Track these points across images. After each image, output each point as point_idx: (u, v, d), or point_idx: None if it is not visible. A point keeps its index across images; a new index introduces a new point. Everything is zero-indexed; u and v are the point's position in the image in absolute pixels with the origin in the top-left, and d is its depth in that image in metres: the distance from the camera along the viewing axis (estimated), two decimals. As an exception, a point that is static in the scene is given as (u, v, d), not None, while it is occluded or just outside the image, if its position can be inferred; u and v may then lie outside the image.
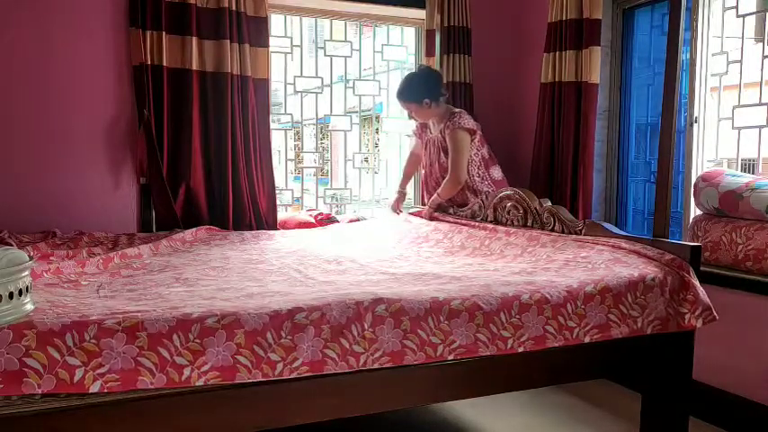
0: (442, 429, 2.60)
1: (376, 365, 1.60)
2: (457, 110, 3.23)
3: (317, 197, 3.81)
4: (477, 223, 2.86)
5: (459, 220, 3.00)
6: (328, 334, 1.56)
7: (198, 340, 1.43)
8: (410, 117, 3.38)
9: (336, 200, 4.00)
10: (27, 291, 1.36)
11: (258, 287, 1.89)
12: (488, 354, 1.73)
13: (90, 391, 1.33)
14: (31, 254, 2.23)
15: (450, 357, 1.68)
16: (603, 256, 2.11)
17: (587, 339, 1.86)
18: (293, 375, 1.52)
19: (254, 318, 1.50)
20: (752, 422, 2.45)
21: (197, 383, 1.42)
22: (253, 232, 3.03)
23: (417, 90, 3.17)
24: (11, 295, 1.30)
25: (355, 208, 3.94)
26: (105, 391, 1.34)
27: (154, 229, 3.07)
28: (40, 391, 1.29)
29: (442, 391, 1.79)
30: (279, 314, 1.53)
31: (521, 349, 1.77)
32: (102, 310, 1.47)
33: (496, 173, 3.25)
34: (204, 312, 1.48)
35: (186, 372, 1.41)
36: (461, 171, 3.13)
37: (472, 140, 3.16)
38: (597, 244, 2.24)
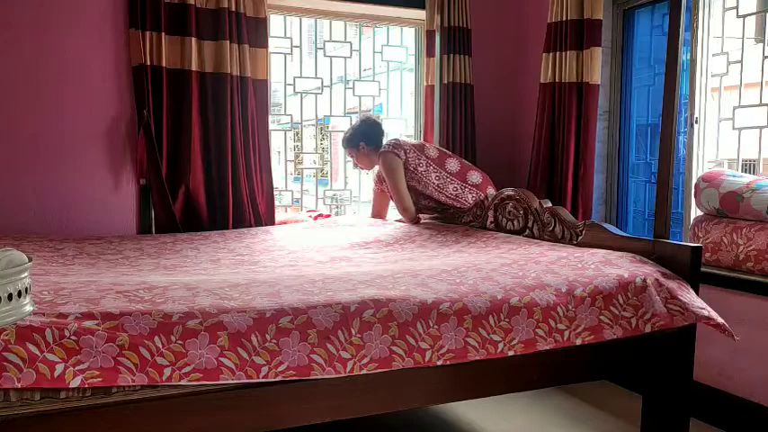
0: (441, 430, 2.60)
1: (363, 371, 1.58)
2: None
3: (316, 198, 3.81)
4: (471, 232, 2.82)
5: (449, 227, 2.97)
6: (315, 338, 1.55)
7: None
8: None
9: (336, 201, 3.99)
10: (26, 292, 1.36)
11: (243, 278, 1.86)
12: (478, 358, 1.71)
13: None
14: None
15: (440, 363, 1.67)
16: (595, 258, 2.11)
17: (579, 342, 1.85)
18: (278, 379, 1.50)
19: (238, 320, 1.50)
20: (753, 424, 2.45)
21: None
22: (234, 231, 2.99)
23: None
24: (10, 297, 1.30)
25: (355, 209, 3.93)
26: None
27: (153, 231, 3.06)
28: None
29: (431, 394, 1.78)
30: (263, 317, 1.52)
31: (511, 353, 1.75)
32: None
33: (474, 177, 3.17)
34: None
35: (167, 372, 1.41)
36: (400, 200, 3.16)
37: (405, 159, 3.16)
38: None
